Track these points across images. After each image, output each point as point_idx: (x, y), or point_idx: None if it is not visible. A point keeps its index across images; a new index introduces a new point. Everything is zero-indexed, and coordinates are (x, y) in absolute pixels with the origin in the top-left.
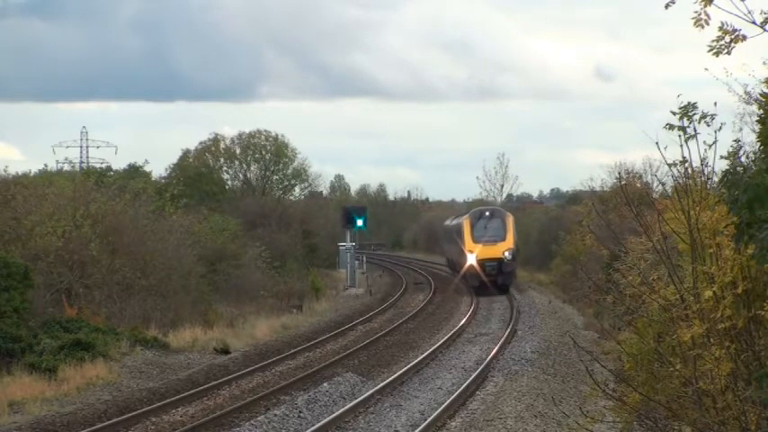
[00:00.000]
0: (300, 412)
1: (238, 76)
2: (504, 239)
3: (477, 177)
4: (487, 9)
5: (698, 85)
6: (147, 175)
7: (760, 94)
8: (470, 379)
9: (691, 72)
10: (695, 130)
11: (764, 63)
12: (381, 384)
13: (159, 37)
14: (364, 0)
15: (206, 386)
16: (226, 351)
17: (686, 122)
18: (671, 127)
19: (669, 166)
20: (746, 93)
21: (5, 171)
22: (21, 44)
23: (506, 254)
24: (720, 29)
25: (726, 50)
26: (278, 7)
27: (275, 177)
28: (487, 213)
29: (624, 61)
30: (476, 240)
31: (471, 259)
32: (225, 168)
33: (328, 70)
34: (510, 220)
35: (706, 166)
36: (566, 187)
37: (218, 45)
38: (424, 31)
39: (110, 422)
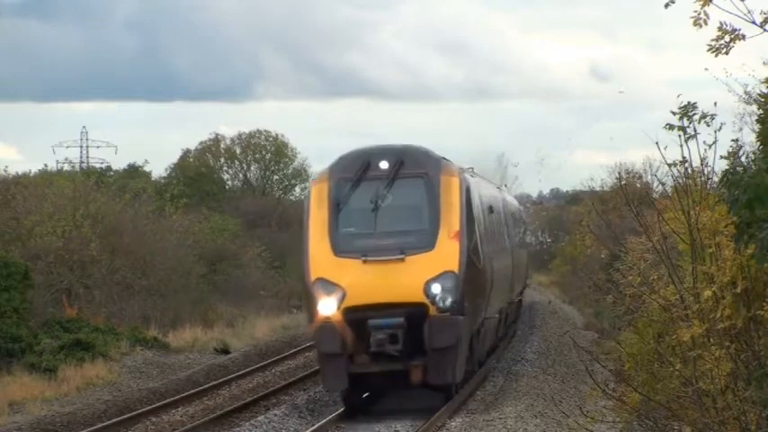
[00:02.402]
0: (300, 412)
1: (237, 77)
2: (432, 244)
3: None
4: (485, 9)
5: (697, 85)
6: (147, 175)
7: (759, 94)
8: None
9: (689, 72)
10: (695, 130)
11: (764, 63)
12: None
13: (157, 37)
14: (362, 0)
15: (206, 386)
16: (226, 351)
17: (686, 122)
18: (671, 127)
19: (669, 166)
20: (746, 93)
21: (5, 171)
22: (18, 44)
23: (436, 289)
24: (720, 29)
25: (725, 50)
26: (275, 7)
27: (275, 177)
28: (383, 164)
29: (622, 61)
30: (340, 250)
31: (325, 308)
32: (225, 168)
33: (326, 70)
34: (455, 184)
35: (706, 166)
36: (565, 187)
37: (217, 45)
38: (423, 31)
39: (110, 422)
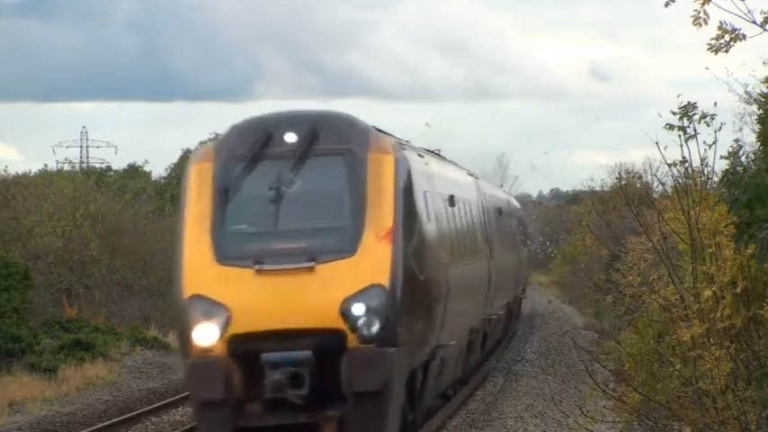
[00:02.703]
0: None
1: (237, 77)
2: (353, 247)
3: None
4: (485, 9)
5: (697, 85)
6: (147, 175)
7: (759, 94)
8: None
9: (689, 72)
10: (695, 130)
11: (764, 63)
12: None
13: (157, 37)
14: (362, 0)
15: None
16: None
17: (686, 122)
18: (671, 127)
19: (669, 166)
20: (746, 92)
21: (5, 171)
22: (18, 44)
23: (358, 310)
24: (720, 28)
25: (725, 49)
26: (275, 7)
27: None
28: (289, 137)
29: (622, 61)
30: (226, 256)
31: (203, 337)
32: None
33: (326, 70)
34: (388, 165)
35: (706, 166)
36: (565, 187)
37: (217, 45)
38: (423, 31)
39: (110, 422)
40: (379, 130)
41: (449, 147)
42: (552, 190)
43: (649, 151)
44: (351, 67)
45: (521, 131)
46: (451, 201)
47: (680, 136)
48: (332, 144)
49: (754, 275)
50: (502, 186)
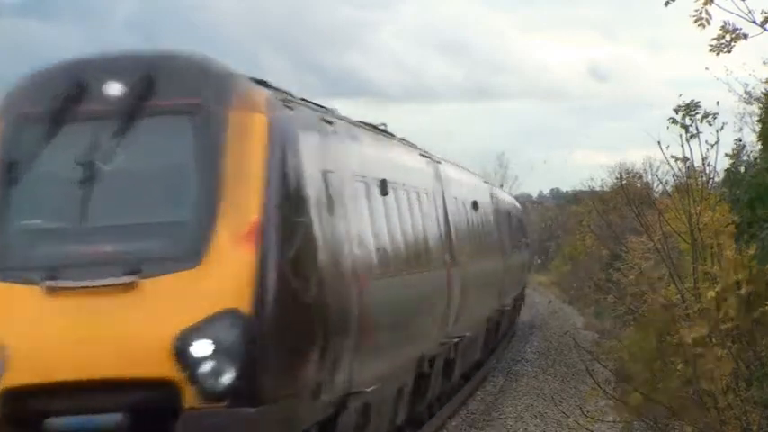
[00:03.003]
0: None
1: None
2: (196, 253)
3: None
4: (485, 9)
5: (697, 85)
6: None
7: (762, 93)
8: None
9: (689, 72)
10: (697, 129)
11: (765, 63)
12: None
13: (157, 37)
14: (362, 0)
15: None
16: None
17: (688, 121)
18: (674, 122)
19: (669, 161)
20: (747, 92)
21: None
22: (18, 44)
23: (200, 350)
24: (722, 28)
25: (726, 49)
26: (275, 7)
27: None
28: (111, 88)
29: (622, 61)
30: (4, 266)
31: None
32: None
33: (326, 70)
34: (258, 129)
35: (707, 166)
36: (565, 187)
37: (217, 45)
38: (423, 31)
39: None
40: (254, 79)
41: (449, 147)
42: (552, 190)
43: (650, 151)
44: (351, 68)
45: (521, 131)
46: (383, 188)
47: (681, 135)
48: (175, 98)
49: (755, 276)
50: (502, 186)
